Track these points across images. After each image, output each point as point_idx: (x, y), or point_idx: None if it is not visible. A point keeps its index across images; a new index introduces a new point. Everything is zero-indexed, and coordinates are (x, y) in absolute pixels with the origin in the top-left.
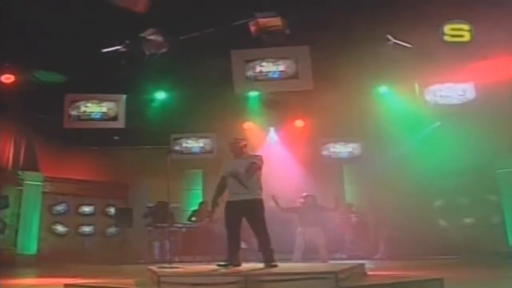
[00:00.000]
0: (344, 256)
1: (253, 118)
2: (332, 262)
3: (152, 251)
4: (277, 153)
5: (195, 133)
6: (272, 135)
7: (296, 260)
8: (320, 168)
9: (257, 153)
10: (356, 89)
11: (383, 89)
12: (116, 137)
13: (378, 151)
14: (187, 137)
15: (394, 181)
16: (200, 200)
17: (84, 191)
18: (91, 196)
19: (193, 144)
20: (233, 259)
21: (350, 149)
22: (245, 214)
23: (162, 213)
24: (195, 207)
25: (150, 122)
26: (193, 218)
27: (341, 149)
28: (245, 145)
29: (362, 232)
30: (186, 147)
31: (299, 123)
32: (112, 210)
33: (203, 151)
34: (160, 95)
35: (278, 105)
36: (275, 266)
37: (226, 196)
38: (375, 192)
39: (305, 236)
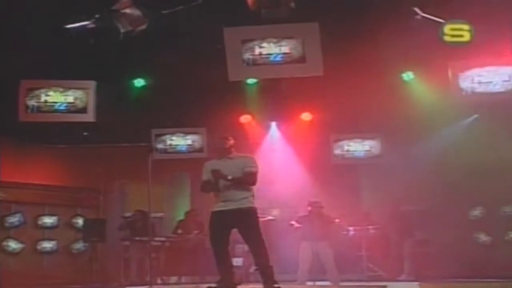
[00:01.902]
0: (360, 276)
1: (251, 110)
2: (344, 284)
3: (129, 271)
4: (280, 152)
5: (182, 128)
6: (274, 130)
7: (302, 281)
8: (331, 170)
9: (246, 154)
10: (375, 75)
11: (408, 75)
12: (85, 133)
13: (402, 149)
14: (172, 133)
15: (421, 185)
16: (188, 208)
17: (45, 199)
18: (53, 204)
19: (179, 141)
20: (227, 280)
21: (367, 147)
22: (237, 226)
23: (141, 225)
24: (181, 217)
25: (127, 115)
26: (179, 231)
27: (356, 147)
28: (233, 144)
29: (383, 247)
30: (170, 145)
31: (306, 116)
32: (80, 222)
33: (191, 150)
34: (139, 83)
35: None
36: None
37: (208, 205)
38: (398, 199)
39: (310, 252)
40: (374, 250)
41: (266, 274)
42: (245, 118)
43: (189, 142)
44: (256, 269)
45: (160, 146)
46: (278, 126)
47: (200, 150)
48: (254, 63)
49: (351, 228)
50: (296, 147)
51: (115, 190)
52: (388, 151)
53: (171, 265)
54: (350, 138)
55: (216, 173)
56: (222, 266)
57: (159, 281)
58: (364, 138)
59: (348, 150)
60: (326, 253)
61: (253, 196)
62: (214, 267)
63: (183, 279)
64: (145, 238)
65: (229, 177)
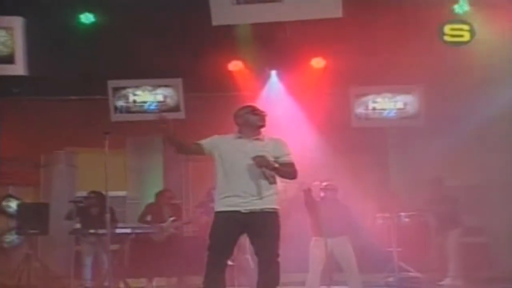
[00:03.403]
0: (391, 279)
1: (243, 54)
2: None
3: (82, 271)
4: (282, 110)
5: (150, 78)
6: (275, 81)
7: (313, 285)
8: (351, 135)
9: (277, 137)
10: (412, 7)
11: (461, 5)
12: (15, 90)
13: (448, 107)
14: (136, 86)
15: (470, 157)
16: (160, 187)
17: None
18: None
19: (147, 96)
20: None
21: (400, 105)
22: (251, 231)
23: (97, 212)
24: (152, 200)
25: (72, 63)
26: (148, 218)
27: (385, 104)
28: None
29: (420, 241)
30: (135, 102)
31: (317, 62)
32: (13, 206)
33: (163, 108)
34: (87, 18)
35: None
36: None
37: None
38: (440, 174)
39: (324, 250)
40: (408, 245)
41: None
42: (234, 65)
43: (160, 97)
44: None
45: (120, 103)
46: (280, 75)
47: (175, 108)
48: (247, 1)
49: (377, 216)
50: (303, 103)
51: (60, 162)
52: (429, 110)
53: (137, 264)
54: (377, 92)
55: (262, 160)
56: (214, 272)
57: (121, 285)
58: (396, 91)
59: (374, 109)
60: (345, 251)
61: (277, 193)
62: (195, 265)
63: (154, 283)
64: (103, 231)
65: (276, 165)
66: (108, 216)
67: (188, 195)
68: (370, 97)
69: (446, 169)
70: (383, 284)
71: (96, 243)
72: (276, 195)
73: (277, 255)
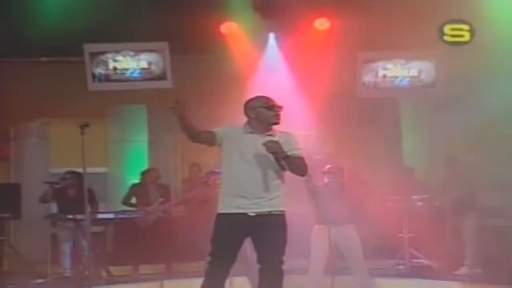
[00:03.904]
0: (401, 267)
1: (238, 15)
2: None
3: (60, 259)
4: (281, 77)
5: (132, 42)
6: (273, 45)
7: (315, 276)
8: (358, 106)
9: (287, 131)
10: None
11: None
12: None
13: (470, 75)
14: (117, 51)
15: (493, 132)
16: (144, 162)
17: None
18: None
19: (129, 63)
20: None
21: (414, 72)
22: (257, 236)
23: (74, 193)
24: (136, 180)
25: (44, 20)
26: (133, 200)
27: (397, 71)
28: None
29: (434, 227)
30: (115, 69)
31: (321, 24)
32: None
33: (147, 76)
34: None
35: None
36: None
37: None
38: (458, 153)
39: (327, 239)
40: (420, 230)
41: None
42: (227, 27)
43: (144, 64)
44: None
45: (99, 70)
46: (279, 38)
47: (161, 76)
48: None
49: (388, 198)
50: (305, 69)
51: (32, 135)
52: (447, 78)
53: (121, 250)
54: (388, 58)
55: (274, 145)
56: (216, 278)
57: (103, 274)
58: (409, 58)
59: (384, 76)
60: (350, 241)
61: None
62: (184, 252)
63: (141, 270)
64: (81, 216)
65: (288, 154)
66: (88, 199)
67: (176, 170)
68: (380, 63)
69: (465, 144)
70: (392, 273)
71: (74, 228)
72: (282, 196)
73: (282, 262)
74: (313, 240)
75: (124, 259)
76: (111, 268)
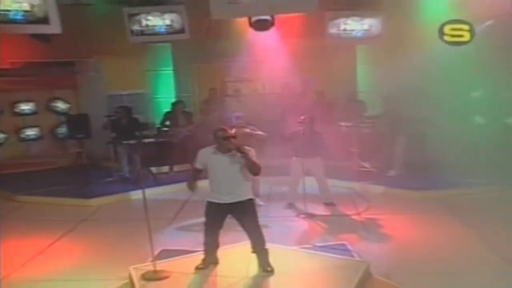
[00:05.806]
0: (349, 173)
1: None
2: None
3: (121, 164)
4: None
5: (157, 5)
6: None
7: (293, 191)
8: (325, 50)
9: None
10: None
11: None
12: None
13: (407, 28)
14: (147, 12)
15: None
16: (171, 85)
17: (15, 84)
18: (27, 89)
19: (157, 21)
20: (211, 259)
21: (366, 26)
22: (235, 215)
23: (125, 122)
24: (164, 98)
25: None
26: (167, 122)
27: (354, 25)
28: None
29: (375, 145)
30: (147, 26)
31: None
32: (59, 105)
33: (170, 31)
34: None
35: None
36: (271, 271)
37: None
38: (397, 85)
39: (301, 168)
40: (365, 147)
41: (261, 258)
42: None
43: (168, 22)
44: (253, 252)
45: (135, 27)
46: None
47: (181, 30)
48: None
49: (343, 124)
50: (285, 25)
51: (90, 69)
52: (391, 31)
53: (162, 158)
54: (347, 16)
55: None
56: (209, 246)
57: (154, 170)
58: (363, 15)
59: (345, 29)
60: (317, 169)
61: (249, 185)
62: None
63: (176, 168)
64: (133, 141)
65: (247, 152)
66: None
67: (194, 91)
68: (341, 20)
69: (404, 82)
70: (345, 177)
71: (128, 147)
72: (249, 187)
73: (258, 226)
74: (291, 167)
75: (164, 161)
76: (153, 169)
